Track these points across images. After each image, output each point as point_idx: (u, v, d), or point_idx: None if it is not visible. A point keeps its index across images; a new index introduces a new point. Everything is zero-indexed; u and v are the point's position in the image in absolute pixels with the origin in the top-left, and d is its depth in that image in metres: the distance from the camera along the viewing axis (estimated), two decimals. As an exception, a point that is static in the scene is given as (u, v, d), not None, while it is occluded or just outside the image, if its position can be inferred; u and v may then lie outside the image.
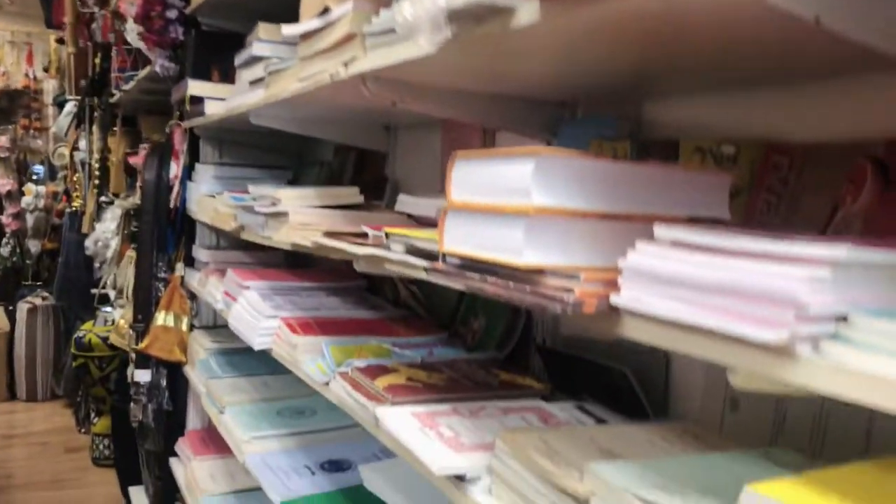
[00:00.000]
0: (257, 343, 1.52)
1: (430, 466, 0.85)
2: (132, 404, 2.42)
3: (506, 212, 0.69)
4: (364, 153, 2.02)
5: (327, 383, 1.25)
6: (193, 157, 2.29)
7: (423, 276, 0.86)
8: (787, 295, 0.49)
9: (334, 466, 1.59)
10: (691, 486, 0.63)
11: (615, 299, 0.62)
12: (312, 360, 1.36)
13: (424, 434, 0.94)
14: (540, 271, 0.67)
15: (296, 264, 2.21)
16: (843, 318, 0.49)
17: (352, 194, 1.52)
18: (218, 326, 2.41)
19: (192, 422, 2.50)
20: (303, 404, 1.89)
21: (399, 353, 1.31)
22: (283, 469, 1.56)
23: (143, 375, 2.34)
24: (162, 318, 2.30)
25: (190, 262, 2.38)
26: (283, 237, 1.38)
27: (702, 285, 0.55)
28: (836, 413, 0.85)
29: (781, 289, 0.49)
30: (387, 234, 0.99)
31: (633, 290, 0.61)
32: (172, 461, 2.41)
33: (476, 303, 1.54)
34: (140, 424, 2.49)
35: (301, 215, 1.39)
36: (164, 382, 2.41)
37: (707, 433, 0.89)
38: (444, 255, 0.82)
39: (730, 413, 0.98)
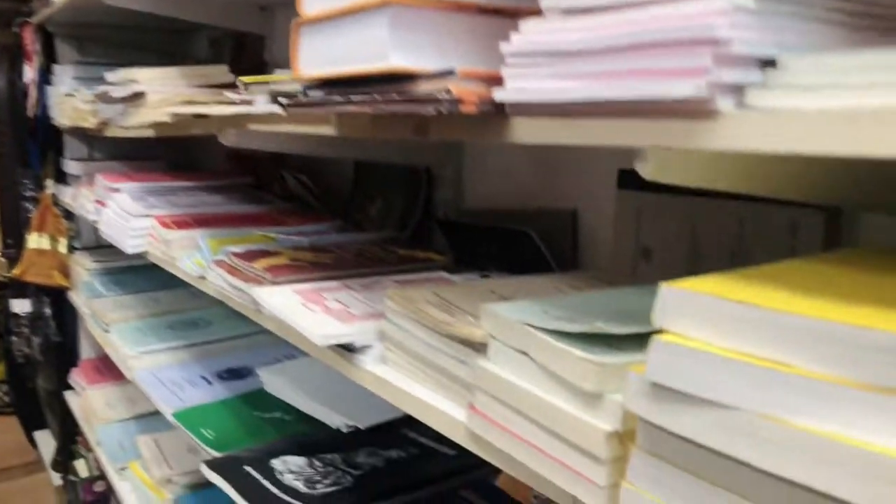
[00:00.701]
0: (130, 246, 1.36)
1: (311, 338, 0.74)
2: (14, 338, 2.22)
3: (366, 7, 0.57)
4: (242, 44, 1.83)
5: (203, 276, 1.11)
6: (50, 58, 2.03)
7: (284, 116, 0.73)
8: (703, 33, 0.38)
9: (233, 374, 1.48)
10: (600, 315, 0.54)
11: (500, 94, 0.50)
12: (189, 255, 1.22)
13: (308, 309, 0.82)
14: (410, 76, 0.55)
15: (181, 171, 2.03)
16: (771, 63, 0.39)
17: (220, 72, 1.35)
18: (102, 246, 2.21)
19: (86, 351, 2.33)
20: (196, 316, 1.76)
21: (285, 239, 1.18)
22: (175, 382, 1.44)
23: (21, 305, 2.14)
24: (35, 240, 2.09)
25: (62, 178, 2.16)
26: (141, 119, 1.21)
27: (602, 51, 0.44)
28: (753, 254, 0.78)
29: (695, 28, 0.38)
30: (245, 85, 0.84)
31: (519, 80, 0.49)
32: (67, 394, 2.25)
33: (371, 186, 1.42)
34: (27, 360, 2.30)
35: (162, 95, 1.22)
36: (48, 312, 2.21)
37: (620, 279, 0.81)
38: (305, 90, 0.69)
39: (642, 263, 0.91)
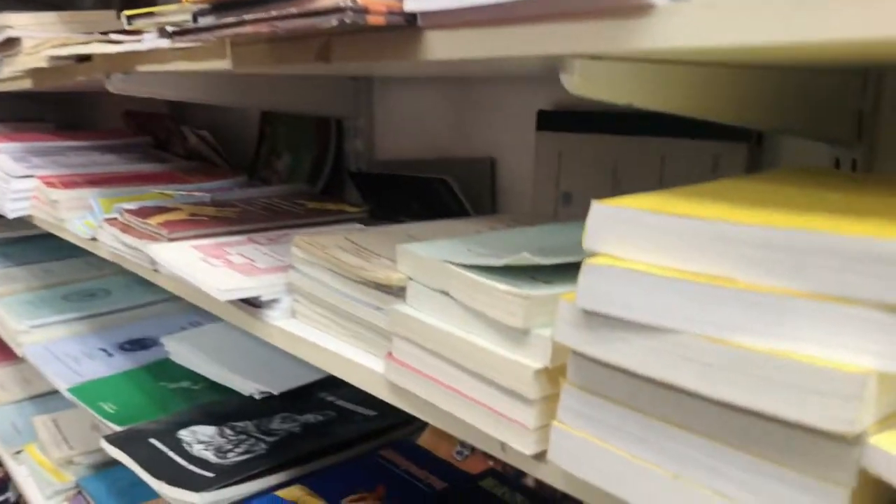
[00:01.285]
0: (11, 210, 1.24)
1: (211, 293, 0.68)
2: None
3: (255, -88, 0.50)
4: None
5: (95, 238, 1.02)
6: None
7: (174, 51, 0.66)
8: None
9: (136, 345, 1.39)
10: (524, 250, 0.50)
11: (410, 3, 0.45)
12: (80, 217, 1.12)
13: (208, 264, 0.76)
14: (309, -11, 0.49)
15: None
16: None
17: (106, 18, 1.24)
18: (-14, 218, 2.04)
19: (-26, 331, 2.16)
20: (94, 286, 1.64)
21: (184, 196, 1.10)
22: (71, 356, 1.34)
23: None
24: None
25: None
26: (17, 66, 1.09)
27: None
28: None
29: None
30: (129, 18, 0.76)
31: (432, -11, 0.45)
32: (-45, 378, 2.08)
33: (278, 141, 1.34)
34: None
35: (39, 39, 1.10)
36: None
37: (542, 221, 0.78)
38: (195, 16, 0.62)
39: (563, 207, 0.88)
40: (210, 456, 0.94)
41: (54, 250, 1.84)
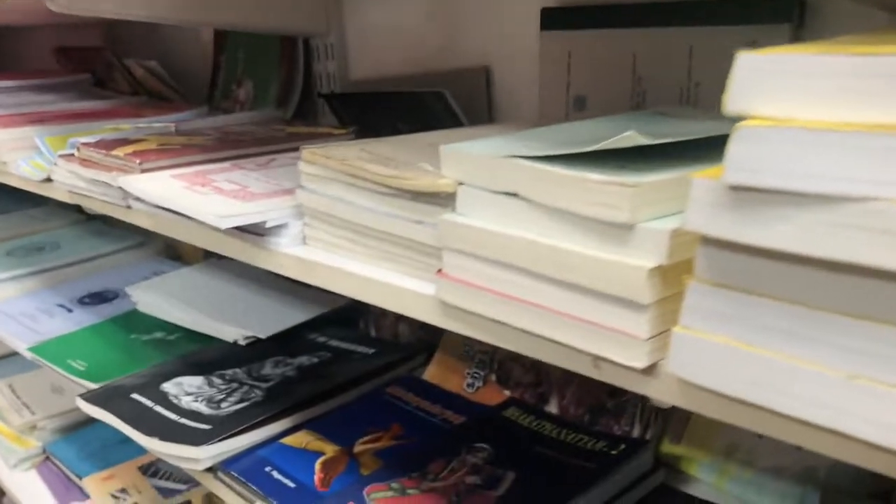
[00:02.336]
0: (-57, 157, 1.11)
1: (208, 221, 0.59)
2: None
3: None
4: None
5: (48, 178, 0.91)
6: None
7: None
8: None
9: (96, 299, 1.28)
10: (596, 140, 0.43)
11: None
12: (25, 159, 1.00)
13: (195, 192, 0.67)
14: None
15: None
16: None
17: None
18: None
19: None
20: (40, 240, 1.52)
21: (143, 128, 0.99)
22: (26, 314, 1.22)
23: None
24: None
25: None
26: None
27: None
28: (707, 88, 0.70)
29: None
30: None
31: None
32: None
33: (237, 66, 1.23)
34: None
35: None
36: None
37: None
38: None
39: (575, 112, 0.81)
40: (202, 407, 0.86)
41: (-12, 205, 1.69)
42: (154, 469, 1.25)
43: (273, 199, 0.63)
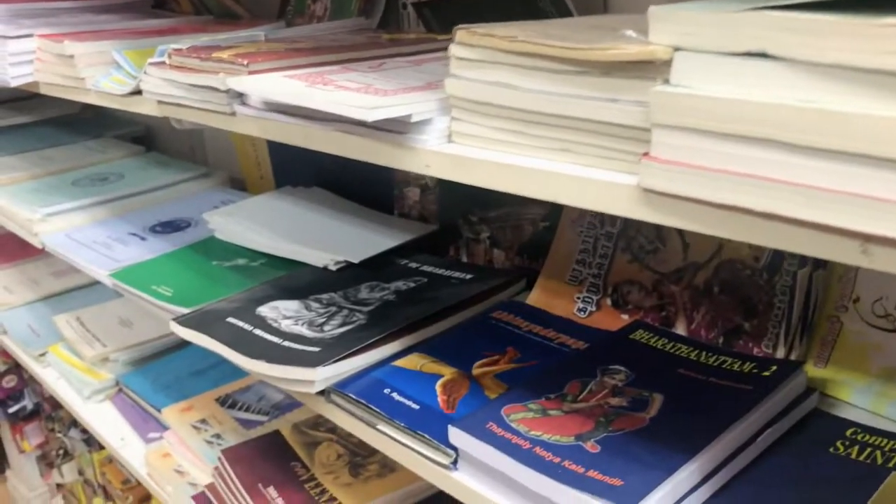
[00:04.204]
0: (13, 77, 1.06)
1: (354, 114, 0.53)
2: None
3: None
4: None
5: (138, 91, 0.86)
6: None
7: None
8: None
9: (169, 227, 1.24)
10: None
11: None
12: (105, 74, 0.95)
13: (320, 90, 0.61)
14: None
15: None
16: None
17: None
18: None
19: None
20: (103, 170, 1.48)
21: (231, 37, 0.93)
22: (100, 242, 1.19)
23: None
24: None
25: None
26: None
27: None
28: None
29: None
30: None
31: None
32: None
33: (313, -20, 1.16)
34: None
35: None
36: None
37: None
38: None
39: None
40: (304, 330, 0.82)
41: (49, 137, 1.65)
42: (231, 401, 1.23)
43: (413, 93, 0.57)
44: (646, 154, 0.41)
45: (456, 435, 0.62)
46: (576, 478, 0.55)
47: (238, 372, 1.28)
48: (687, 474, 0.55)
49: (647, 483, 0.53)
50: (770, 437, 0.62)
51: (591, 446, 0.59)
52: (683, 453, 0.56)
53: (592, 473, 0.55)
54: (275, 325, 0.85)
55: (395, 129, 0.56)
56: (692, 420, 0.61)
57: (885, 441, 0.62)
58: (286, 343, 0.80)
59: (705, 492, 0.57)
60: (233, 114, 0.71)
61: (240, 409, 1.22)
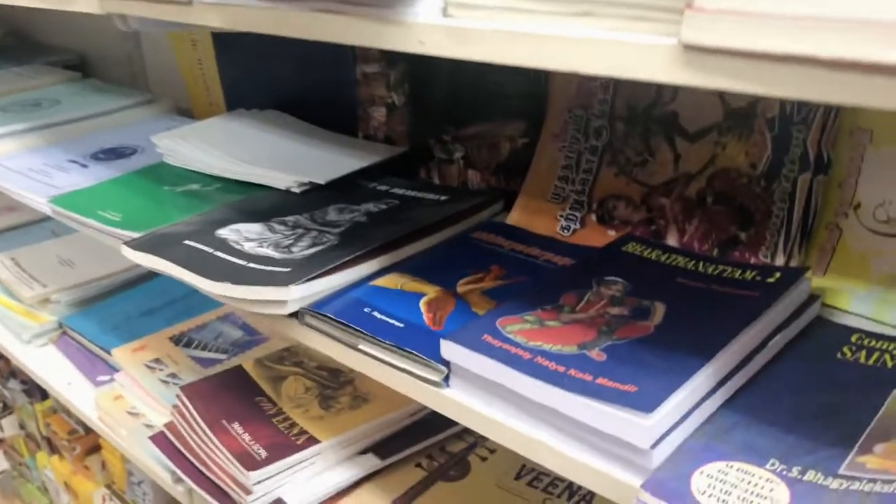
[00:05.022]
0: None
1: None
2: None
3: None
4: None
5: (75, -15, 0.77)
6: None
7: None
8: None
9: (112, 154, 1.15)
10: None
11: None
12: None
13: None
14: None
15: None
16: None
17: None
18: None
19: None
20: (36, 96, 1.37)
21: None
22: (37, 170, 1.09)
23: None
24: None
25: None
26: None
27: None
28: None
29: None
30: None
31: None
32: None
33: None
34: None
35: None
36: None
37: None
38: None
39: None
40: (271, 252, 0.76)
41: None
42: (187, 340, 1.16)
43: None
44: (689, 6, 0.36)
45: (449, 348, 0.58)
46: (585, 385, 0.51)
47: (192, 310, 1.22)
48: (702, 379, 0.52)
49: (663, 388, 0.50)
50: (778, 343, 0.60)
51: (596, 354, 0.55)
52: (696, 359, 0.53)
53: (602, 381, 0.51)
54: (237, 247, 0.78)
55: (381, 3, 0.50)
56: (699, 327, 0.58)
57: (893, 345, 0.60)
58: (252, 265, 0.74)
59: (720, 397, 0.53)
60: (189, 3, 0.64)
61: (196, 347, 1.15)
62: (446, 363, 0.59)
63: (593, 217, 0.81)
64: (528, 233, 0.82)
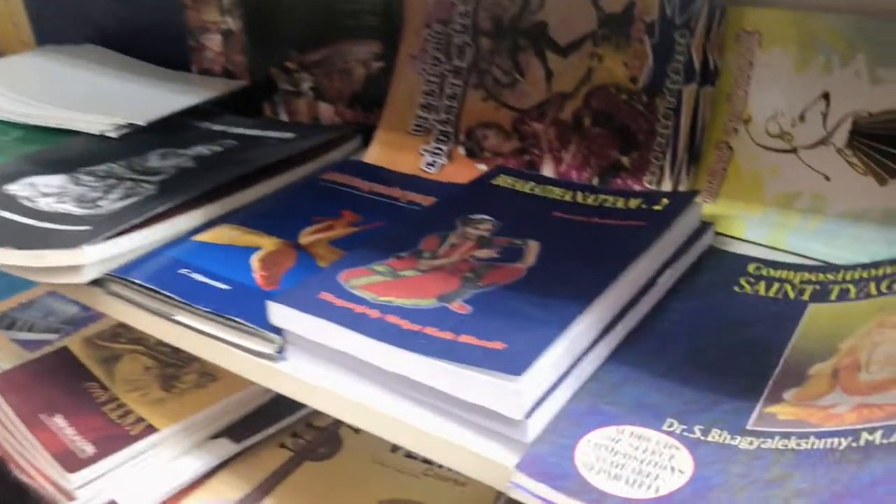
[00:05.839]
0: None
1: None
2: None
3: None
4: None
5: None
6: None
7: None
8: None
9: None
10: None
11: None
12: None
13: None
14: None
15: None
16: None
17: None
18: None
19: None
20: None
21: None
22: None
23: None
24: None
25: None
26: None
27: None
28: None
29: None
30: None
31: None
32: None
33: None
34: None
35: None
36: None
37: None
38: None
39: None
40: (71, 208, 0.62)
41: None
42: (9, 321, 0.99)
43: None
44: None
45: (278, 312, 0.46)
46: (443, 346, 0.41)
47: (12, 286, 1.05)
48: (583, 328, 0.43)
49: (537, 343, 0.40)
50: (668, 280, 0.52)
51: (458, 307, 0.45)
52: (575, 303, 0.44)
53: (465, 338, 0.41)
54: (29, 204, 0.63)
55: None
56: (579, 266, 0.48)
57: (793, 273, 0.53)
58: (45, 224, 0.59)
59: (605, 348, 0.45)
60: None
61: (20, 328, 0.99)
62: (279, 331, 0.47)
63: (461, 150, 0.71)
64: (389, 171, 0.71)
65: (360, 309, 0.45)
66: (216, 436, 0.76)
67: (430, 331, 0.42)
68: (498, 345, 0.40)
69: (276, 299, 0.46)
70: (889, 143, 0.55)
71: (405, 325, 0.43)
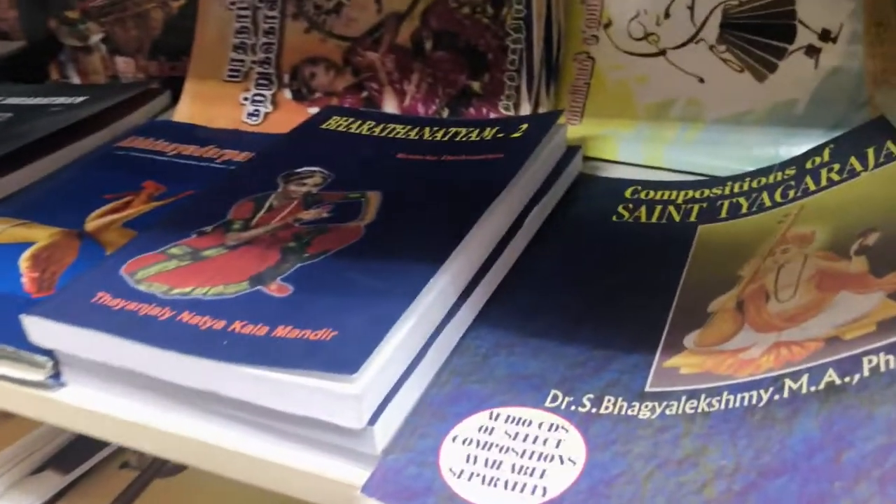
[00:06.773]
0: None
1: None
2: None
3: None
4: None
5: None
6: None
7: None
8: None
9: None
10: None
11: None
12: None
13: None
14: None
15: None
16: None
17: None
18: None
19: None
20: None
21: None
22: None
23: None
24: None
25: None
26: None
27: None
28: None
29: None
30: None
31: None
32: None
33: None
34: None
35: None
36: None
37: None
38: None
39: None
40: None
41: None
42: None
43: None
44: None
45: (38, 327, 0.35)
46: (253, 346, 0.31)
47: None
48: (437, 294, 0.34)
49: (377, 323, 0.31)
50: (537, 218, 0.43)
51: (276, 288, 0.35)
52: (425, 264, 0.35)
53: (283, 331, 0.31)
54: None
55: None
56: (430, 215, 0.39)
57: (675, 193, 0.46)
58: None
59: (469, 311, 0.36)
60: None
61: None
62: (49, 352, 0.36)
63: (287, 93, 0.60)
64: (205, 128, 0.60)
65: (145, 310, 0.34)
66: (40, 469, 0.64)
67: (237, 327, 0.32)
68: (325, 334, 0.31)
69: (33, 311, 0.35)
70: (763, 34, 0.48)
71: (205, 323, 0.32)
